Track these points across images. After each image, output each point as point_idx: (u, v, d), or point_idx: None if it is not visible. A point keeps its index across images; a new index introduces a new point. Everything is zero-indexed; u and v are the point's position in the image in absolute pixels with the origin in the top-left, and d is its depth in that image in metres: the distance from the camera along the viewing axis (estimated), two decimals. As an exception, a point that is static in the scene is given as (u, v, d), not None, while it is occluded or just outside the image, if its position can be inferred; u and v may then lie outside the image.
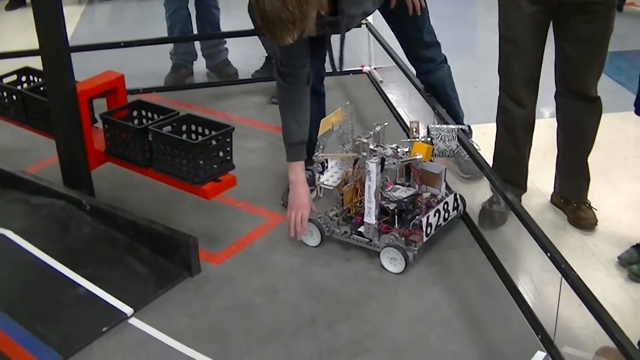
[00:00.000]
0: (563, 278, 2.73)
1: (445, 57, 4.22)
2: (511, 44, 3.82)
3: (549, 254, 2.86)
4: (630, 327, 2.63)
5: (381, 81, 5.67)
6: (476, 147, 3.76)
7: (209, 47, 5.94)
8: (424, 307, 3.23)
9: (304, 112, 3.66)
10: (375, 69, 5.83)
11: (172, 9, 5.67)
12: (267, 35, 3.18)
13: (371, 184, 3.34)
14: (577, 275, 2.68)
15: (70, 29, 7.05)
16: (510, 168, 4.06)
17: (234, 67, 5.95)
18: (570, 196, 4.15)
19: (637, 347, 2.46)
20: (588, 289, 2.61)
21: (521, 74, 3.86)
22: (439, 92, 4.20)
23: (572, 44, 3.72)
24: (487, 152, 4.03)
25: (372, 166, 3.30)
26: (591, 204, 4.12)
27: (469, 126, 4.34)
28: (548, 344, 2.95)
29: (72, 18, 7.69)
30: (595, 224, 4.06)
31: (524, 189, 4.16)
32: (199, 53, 5.99)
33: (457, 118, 4.21)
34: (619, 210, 4.22)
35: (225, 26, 6.14)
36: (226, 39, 5.97)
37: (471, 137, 4.31)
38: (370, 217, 3.41)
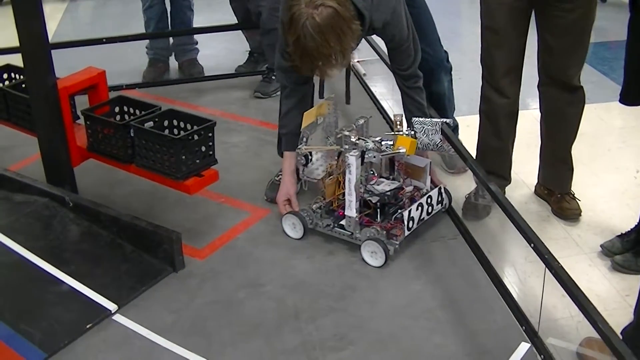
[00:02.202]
0: (547, 269, 2.73)
1: (451, 67, 4.27)
2: (492, 33, 3.83)
3: (532, 245, 2.86)
4: (613, 317, 2.65)
5: (365, 74, 5.68)
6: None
7: (180, 45, 5.91)
8: (407, 299, 3.23)
9: (305, 103, 3.68)
10: (358, 62, 5.83)
11: (147, 3, 5.65)
12: (307, 72, 3.29)
13: (351, 177, 3.33)
14: (561, 266, 2.68)
15: (52, 26, 7.08)
16: (493, 159, 4.06)
17: (200, 65, 5.91)
18: (554, 187, 4.16)
19: (621, 337, 2.46)
20: (572, 279, 2.61)
21: (503, 63, 3.87)
22: (435, 100, 4.18)
23: (553, 34, 3.72)
24: (472, 145, 4.04)
25: (352, 159, 3.30)
26: (575, 195, 4.13)
27: (455, 119, 4.34)
28: (532, 334, 2.95)
29: (55, 15, 7.66)
30: (579, 215, 4.08)
31: (507, 180, 4.17)
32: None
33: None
34: (602, 201, 4.24)
35: (208, 20, 6.13)
36: (197, 39, 5.95)
37: (457, 132, 4.32)
38: (351, 210, 3.41)
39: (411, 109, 3.73)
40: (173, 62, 5.96)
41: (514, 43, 3.83)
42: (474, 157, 3.82)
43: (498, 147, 4.07)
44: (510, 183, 4.20)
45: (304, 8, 3.09)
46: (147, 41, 5.85)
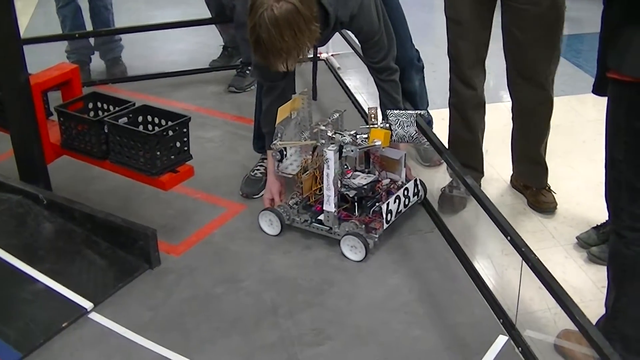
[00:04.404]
0: (523, 261, 2.74)
1: (423, 66, 4.27)
2: (456, 24, 3.82)
3: (509, 238, 2.86)
4: (590, 309, 2.66)
5: (339, 68, 5.67)
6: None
7: (103, 43, 5.82)
8: (385, 293, 3.23)
9: (284, 99, 3.65)
10: (332, 55, 5.82)
11: (61, 2, 5.57)
12: (259, 61, 3.28)
13: (329, 172, 3.33)
14: (537, 258, 2.69)
15: (24, 21, 7.02)
16: (466, 151, 4.06)
17: (124, 64, 5.83)
18: (530, 183, 4.17)
19: (597, 328, 2.47)
20: (548, 271, 2.62)
21: (468, 55, 3.86)
22: (407, 99, 4.17)
23: (520, 28, 3.68)
24: (446, 137, 4.05)
25: (330, 154, 3.29)
26: (551, 188, 4.14)
27: (429, 113, 4.34)
28: (510, 327, 2.96)
29: (27, 10, 7.60)
30: (555, 207, 4.09)
31: (480, 172, 4.17)
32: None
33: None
34: (578, 193, 4.25)
35: (183, 15, 6.09)
36: (121, 36, 5.85)
37: (432, 126, 4.31)
38: (330, 205, 3.40)
39: (385, 102, 3.73)
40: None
41: (478, 35, 3.81)
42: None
43: (469, 139, 4.06)
44: (483, 175, 4.20)
45: None
46: (66, 44, 5.74)
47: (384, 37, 3.58)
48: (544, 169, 4.11)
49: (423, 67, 4.29)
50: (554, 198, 4.11)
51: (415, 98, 4.21)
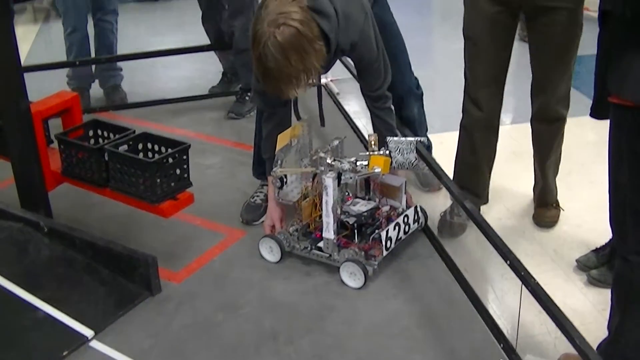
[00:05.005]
0: (523, 285, 2.74)
1: (422, 93, 4.27)
2: (471, 43, 3.82)
3: (508, 262, 2.86)
4: (590, 332, 2.65)
5: (338, 93, 5.69)
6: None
7: (102, 70, 5.85)
8: (385, 318, 3.23)
9: (284, 125, 3.66)
10: (331, 81, 5.84)
11: (69, 28, 5.58)
12: (270, 91, 3.27)
13: (328, 199, 3.34)
14: (537, 283, 2.69)
15: (25, 48, 7.05)
16: (466, 174, 4.07)
17: (124, 91, 5.85)
18: (537, 195, 4.22)
19: (597, 352, 2.47)
20: (548, 295, 2.62)
21: (481, 75, 3.85)
22: (405, 125, 4.19)
23: (537, 47, 3.73)
24: (446, 162, 4.04)
25: (329, 181, 3.30)
26: (559, 204, 4.16)
27: (428, 138, 4.34)
28: (510, 352, 2.95)
29: (28, 37, 7.64)
30: (554, 223, 4.11)
31: (482, 198, 4.16)
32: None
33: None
34: (577, 215, 4.27)
35: (182, 41, 6.11)
36: (121, 65, 5.88)
37: (431, 151, 4.32)
38: (329, 232, 3.41)
39: (381, 129, 3.73)
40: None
41: (494, 55, 3.80)
42: (451, 175, 3.83)
43: (472, 162, 4.06)
44: (486, 202, 4.20)
45: (266, 27, 3.06)
46: (67, 70, 5.76)
47: (382, 65, 3.60)
48: (546, 186, 4.14)
49: (422, 95, 4.30)
50: (557, 214, 4.13)
51: (414, 125, 4.21)
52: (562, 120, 3.96)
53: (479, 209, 3.93)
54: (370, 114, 3.78)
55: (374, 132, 3.75)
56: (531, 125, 4.05)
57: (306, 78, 3.18)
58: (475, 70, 3.86)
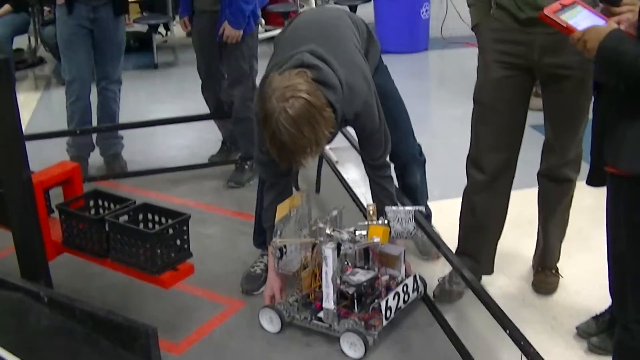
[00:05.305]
0: (523, 355, 2.74)
1: (424, 160, 4.29)
2: (478, 105, 3.81)
3: (508, 332, 2.87)
4: (591, 401, 2.65)
5: (337, 161, 5.70)
6: (434, 229, 3.78)
7: (103, 138, 5.86)
8: (385, 388, 3.22)
9: (285, 195, 3.69)
10: (330, 149, 5.85)
11: (73, 97, 5.59)
12: (285, 165, 3.32)
13: (328, 270, 3.35)
14: (537, 352, 2.70)
15: (26, 116, 7.09)
16: (468, 238, 4.05)
17: (124, 160, 5.86)
18: (538, 259, 4.21)
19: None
20: (548, 365, 2.63)
21: (486, 138, 3.82)
22: (407, 192, 4.21)
23: (549, 110, 3.75)
24: (445, 230, 4.06)
25: (328, 252, 3.32)
26: (558, 271, 4.16)
27: (428, 207, 4.35)
28: (511, 422, 2.95)
29: (29, 104, 7.68)
30: (553, 290, 4.10)
31: (484, 265, 4.10)
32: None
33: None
34: (576, 281, 4.25)
35: (182, 109, 6.14)
36: (122, 134, 5.90)
37: (431, 220, 4.32)
38: (329, 303, 3.42)
39: (381, 198, 3.76)
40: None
41: (504, 120, 3.77)
42: (450, 243, 3.84)
43: (473, 224, 4.00)
44: (489, 272, 4.17)
45: (276, 103, 3.10)
46: (67, 137, 5.76)
47: (383, 135, 3.63)
48: (552, 248, 4.15)
49: (425, 161, 4.33)
50: (556, 281, 4.13)
51: (415, 193, 4.22)
52: (570, 183, 3.95)
53: (480, 278, 3.93)
54: (370, 182, 3.81)
55: (373, 200, 3.78)
56: (538, 181, 4.04)
57: (318, 146, 3.21)
58: (479, 133, 3.83)
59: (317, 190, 4.01)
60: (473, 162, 3.90)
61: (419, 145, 4.26)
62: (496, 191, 3.93)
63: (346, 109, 3.39)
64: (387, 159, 3.76)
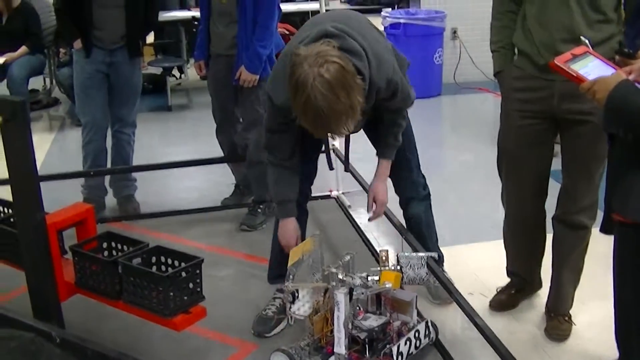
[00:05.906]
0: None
1: (428, 194, 4.30)
2: (503, 154, 3.93)
3: (520, 380, 2.87)
4: None
5: (349, 206, 5.71)
6: (446, 274, 3.79)
7: (116, 180, 5.90)
8: None
9: (295, 172, 3.73)
10: (343, 193, 5.87)
11: (87, 138, 5.63)
12: (320, 135, 3.33)
13: (340, 314, 3.35)
14: (548, 401, 2.69)
15: (40, 157, 7.14)
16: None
17: (137, 202, 5.89)
18: (550, 304, 4.21)
19: None
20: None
21: (516, 186, 3.96)
22: (412, 226, 4.24)
23: (566, 156, 3.79)
24: (456, 276, 4.06)
25: (340, 297, 3.32)
26: (571, 318, 4.15)
27: (440, 250, 4.36)
28: None
29: (43, 145, 7.73)
30: (566, 337, 4.09)
31: (528, 279, 4.28)
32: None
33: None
34: (589, 329, 4.24)
35: (195, 151, 6.16)
36: (136, 176, 5.96)
37: (443, 265, 4.32)
38: (340, 347, 3.41)
39: (389, 131, 3.84)
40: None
41: (529, 167, 3.87)
42: (462, 289, 3.84)
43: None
44: (539, 287, 4.28)
45: (309, 68, 3.06)
46: (83, 179, 5.80)
47: (408, 96, 3.74)
48: (565, 294, 4.14)
49: (429, 195, 4.31)
50: (569, 328, 4.12)
51: (420, 226, 4.23)
52: (585, 229, 3.95)
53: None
54: (385, 123, 3.85)
55: (380, 138, 3.87)
56: (553, 226, 4.06)
57: (353, 114, 3.18)
58: (511, 183, 3.96)
59: (346, 169, 3.97)
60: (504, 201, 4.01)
61: (423, 177, 4.26)
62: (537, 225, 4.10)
63: (376, 76, 3.38)
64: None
